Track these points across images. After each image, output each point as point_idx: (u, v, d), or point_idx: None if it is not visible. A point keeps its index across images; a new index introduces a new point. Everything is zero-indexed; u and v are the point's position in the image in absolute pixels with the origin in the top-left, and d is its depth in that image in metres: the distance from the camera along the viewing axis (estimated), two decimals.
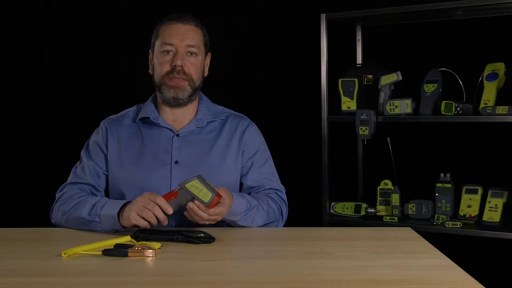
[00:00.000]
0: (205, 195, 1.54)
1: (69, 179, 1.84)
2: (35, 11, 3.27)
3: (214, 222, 1.62)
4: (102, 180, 1.84)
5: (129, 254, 1.37)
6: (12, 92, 3.30)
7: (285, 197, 1.88)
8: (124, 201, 1.64)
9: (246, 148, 1.88)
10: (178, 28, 1.81)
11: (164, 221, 1.56)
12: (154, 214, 1.54)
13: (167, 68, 1.80)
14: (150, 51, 1.88)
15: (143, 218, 1.55)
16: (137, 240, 1.47)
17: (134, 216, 1.56)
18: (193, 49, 1.81)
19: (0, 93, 3.29)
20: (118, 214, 1.61)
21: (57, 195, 1.80)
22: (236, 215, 1.68)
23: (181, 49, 1.79)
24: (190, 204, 1.54)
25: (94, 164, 1.83)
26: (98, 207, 1.65)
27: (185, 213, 1.58)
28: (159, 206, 1.55)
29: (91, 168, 1.82)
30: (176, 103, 1.82)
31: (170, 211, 1.55)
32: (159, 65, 1.81)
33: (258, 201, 1.75)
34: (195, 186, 1.54)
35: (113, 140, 1.85)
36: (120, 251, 1.38)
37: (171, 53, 1.80)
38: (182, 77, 1.79)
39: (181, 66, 1.79)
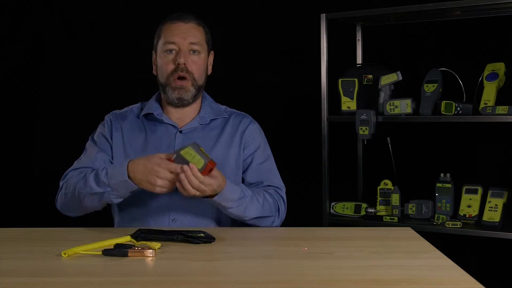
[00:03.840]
0: (198, 162, 1.56)
1: (72, 167, 1.84)
2: (36, 10, 3.26)
3: (202, 194, 1.61)
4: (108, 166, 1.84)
5: (129, 254, 1.37)
6: (13, 91, 3.30)
7: (284, 196, 1.88)
8: (125, 163, 1.65)
9: (246, 145, 1.89)
10: (180, 27, 1.82)
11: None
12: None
13: (171, 67, 1.81)
14: (153, 52, 1.89)
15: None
16: (137, 240, 1.47)
17: (160, 190, 1.60)
18: (195, 47, 1.82)
19: (0, 91, 3.29)
20: (129, 177, 1.63)
21: (61, 183, 1.81)
22: (229, 201, 1.68)
23: (184, 47, 1.80)
24: (185, 167, 1.55)
25: (101, 152, 1.84)
26: (102, 177, 1.66)
27: (177, 183, 1.59)
28: (171, 172, 1.58)
29: (98, 155, 1.83)
30: (181, 103, 1.84)
31: (178, 170, 1.57)
32: (163, 65, 1.82)
33: (254, 192, 1.76)
34: (188, 153, 1.57)
35: (117, 133, 1.87)
36: (120, 251, 1.38)
37: (173, 52, 1.81)
38: (186, 76, 1.80)
39: (184, 64, 1.79)
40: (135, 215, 1.79)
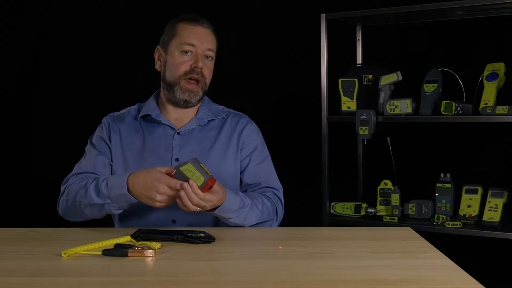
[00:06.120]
0: (198, 178, 1.55)
1: (73, 171, 1.84)
2: (36, 10, 3.26)
3: (202, 210, 1.61)
4: (109, 169, 1.84)
5: (129, 254, 1.37)
6: (13, 91, 3.30)
7: (281, 197, 1.88)
8: (125, 176, 1.65)
9: (244, 146, 1.89)
10: (199, 31, 1.82)
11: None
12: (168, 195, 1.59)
13: (186, 68, 1.80)
14: (159, 47, 1.88)
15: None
16: (137, 240, 1.47)
17: (159, 205, 1.59)
18: (210, 53, 1.84)
19: (0, 91, 3.29)
20: (129, 191, 1.62)
21: (62, 188, 1.81)
22: (229, 212, 1.68)
23: (201, 51, 1.81)
24: (185, 184, 1.54)
25: (100, 155, 1.84)
26: (102, 189, 1.66)
27: (177, 200, 1.58)
28: (170, 188, 1.57)
29: (98, 158, 1.83)
30: (186, 105, 1.84)
31: (178, 186, 1.55)
32: (176, 64, 1.81)
33: (253, 199, 1.75)
34: (188, 170, 1.56)
35: (115, 136, 1.86)
36: (120, 251, 1.38)
37: (189, 53, 1.81)
38: (199, 79, 1.81)
39: (201, 68, 1.80)
40: (134, 217, 1.79)
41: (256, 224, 1.76)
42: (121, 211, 1.71)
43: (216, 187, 1.60)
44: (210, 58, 1.84)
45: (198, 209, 1.59)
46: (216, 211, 1.66)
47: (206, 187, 1.56)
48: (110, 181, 1.67)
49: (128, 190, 1.62)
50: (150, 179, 1.59)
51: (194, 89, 1.81)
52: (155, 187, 1.57)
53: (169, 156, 1.82)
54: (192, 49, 1.81)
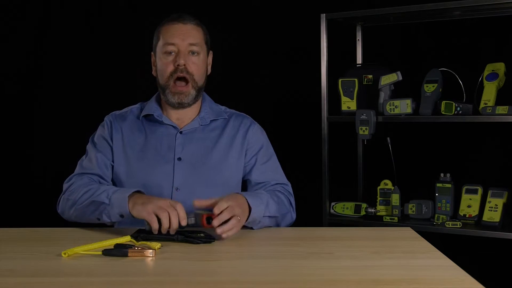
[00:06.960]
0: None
1: (76, 171, 1.84)
2: (36, 9, 3.26)
3: (241, 222, 1.59)
4: (110, 170, 1.85)
5: (129, 254, 1.37)
6: (13, 90, 3.30)
7: (291, 190, 1.90)
8: (137, 188, 1.64)
9: (249, 147, 1.89)
10: (179, 28, 1.81)
11: (175, 227, 1.51)
12: (170, 218, 1.51)
13: (171, 68, 1.80)
14: (152, 53, 1.89)
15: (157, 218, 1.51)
16: (137, 240, 1.47)
17: (148, 212, 1.51)
18: (195, 48, 1.82)
19: (0, 90, 3.29)
20: (129, 198, 1.60)
21: (65, 186, 1.80)
22: (258, 212, 1.66)
23: (183, 48, 1.80)
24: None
25: (101, 155, 1.84)
26: (110, 191, 1.65)
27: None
28: (178, 213, 1.52)
29: (99, 159, 1.83)
30: (181, 106, 1.84)
31: (184, 222, 1.52)
32: (162, 66, 1.82)
33: (269, 193, 1.76)
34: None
35: (117, 134, 1.87)
36: (120, 251, 1.38)
37: (173, 53, 1.80)
38: (186, 77, 1.79)
39: (184, 65, 1.79)
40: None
41: (277, 218, 1.76)
42: (109, 221, 1.67)
43: (232, 202, 1.56)
44: (195, 54, 1.82)
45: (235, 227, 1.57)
46: (251, 204, 1.63)
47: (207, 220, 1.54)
48: (122, 188, 1.68)
49: (131, 197, 1.60)
50: (158, 198, 1.57)
51: (183, 90, 1.80)
52: (159, 200, 1.55)
53: (172, 155, 1.82)
54: (174, 48, 1.80)
